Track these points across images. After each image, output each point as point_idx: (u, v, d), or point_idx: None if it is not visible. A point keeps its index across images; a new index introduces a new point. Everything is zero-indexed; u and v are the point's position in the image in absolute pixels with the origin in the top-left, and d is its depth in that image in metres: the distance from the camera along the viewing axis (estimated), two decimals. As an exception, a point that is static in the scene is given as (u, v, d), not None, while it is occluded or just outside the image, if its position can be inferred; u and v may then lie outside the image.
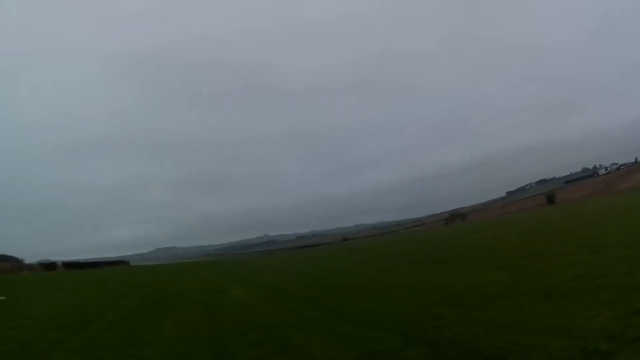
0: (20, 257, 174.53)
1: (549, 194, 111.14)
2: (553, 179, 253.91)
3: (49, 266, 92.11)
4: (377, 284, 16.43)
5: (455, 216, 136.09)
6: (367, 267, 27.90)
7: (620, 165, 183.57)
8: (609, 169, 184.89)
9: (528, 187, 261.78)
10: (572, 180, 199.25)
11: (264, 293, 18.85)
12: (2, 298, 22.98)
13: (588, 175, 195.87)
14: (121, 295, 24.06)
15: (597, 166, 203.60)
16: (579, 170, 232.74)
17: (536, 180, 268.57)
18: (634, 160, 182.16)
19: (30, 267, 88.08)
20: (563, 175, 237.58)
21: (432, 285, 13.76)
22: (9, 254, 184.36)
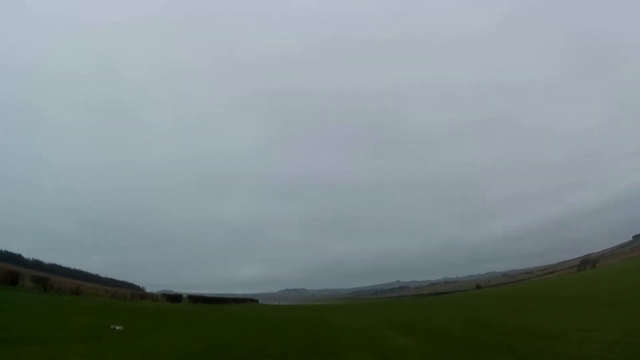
0: (141, 286, 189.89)
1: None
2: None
3: (174, 297, 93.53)
4: (554, 329, 16.25)
5: (586, 262, 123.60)
6: (529, 312, 26.30)
7: None
8: None
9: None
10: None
11: (434, 341, 17.15)
12: (119, 327, 20.46)
13: None
14: (265, 337, 21.55)
15: None
16: None
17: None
18: None
19: (153, 297, 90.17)
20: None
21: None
22: (131, 281, 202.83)
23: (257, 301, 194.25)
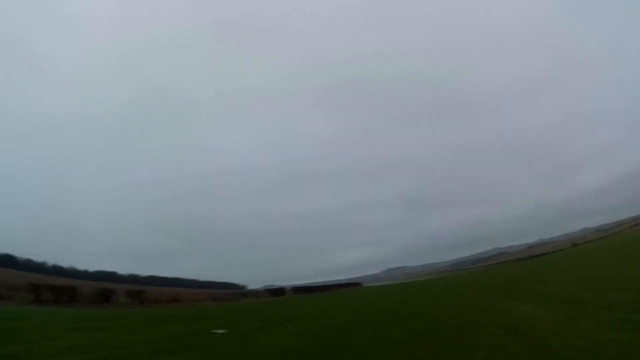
0: (242, 284, 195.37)
1: None
2: None
3: (277, 291, 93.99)
4: None
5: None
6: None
7: None
8: None
9: None
10: None
11: (556, 305, 14.97)
12: (222, 331, 18.25)
13: None
14: (380, 322, 19.07)
15: None
16: None
17: None
18: None
19: (255, 294, 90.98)
20: None
21: None
22: (231, 281, 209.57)
23: (360, 284, 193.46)
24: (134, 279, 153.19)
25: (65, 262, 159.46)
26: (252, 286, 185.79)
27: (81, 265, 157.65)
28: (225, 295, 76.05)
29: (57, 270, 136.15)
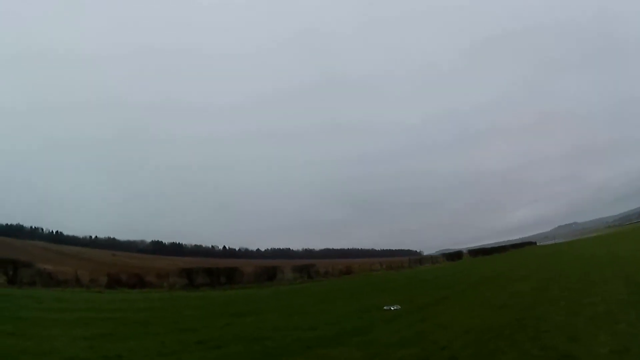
0: (419, 250, 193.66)
1: None
2: None
3: (454, 255, 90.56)
4: None
5: None
6: None
7: None
8: None
9: None
10: None
11: None
12: (395, 307, 16.15)
13: None
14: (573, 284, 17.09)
15: None
16: None
17: None
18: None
19: (432, 259, 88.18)
20: None
21: None
22: (408, 248, 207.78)
23: (535, 243, 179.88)
24: (308, 253, 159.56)
25: (236, 244, 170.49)
26: (427, 251, 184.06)
27: (252, 246, 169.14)
28: (400, 263, 74.48)
29: (229, 253, 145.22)
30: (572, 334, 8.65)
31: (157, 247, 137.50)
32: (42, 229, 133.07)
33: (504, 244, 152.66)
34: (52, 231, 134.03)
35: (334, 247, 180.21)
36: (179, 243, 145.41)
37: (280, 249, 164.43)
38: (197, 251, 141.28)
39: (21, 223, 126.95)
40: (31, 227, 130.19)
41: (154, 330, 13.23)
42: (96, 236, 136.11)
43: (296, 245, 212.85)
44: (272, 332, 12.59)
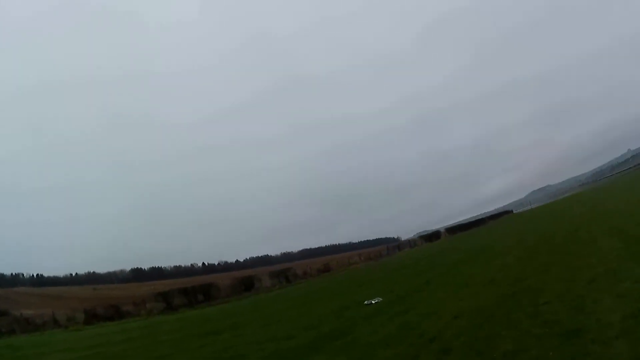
0: (396, 237, 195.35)
1: None
2: None
3: (432, 236, 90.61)
4: None
5: None
6: None
7: None
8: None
9: None
10: None
11: None
12: (375, 301, 15.16)
13: None
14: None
15: None
16: None
17: None
18: None
19: (410, 243, 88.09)
20: None
21: None
22: (386, 236, 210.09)
23: (511, 212, 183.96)
24: (287, 257, 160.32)
25: (215, 258, 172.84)
26: (406, 236, 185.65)
27: (231, 258, 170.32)
28: (378, 252, 73.86)
29: (209, 269, 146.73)
30: (574, 303, 7.66)
31: (137, 274, 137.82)
32: (23, 274, 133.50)
33: (481, 217, 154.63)
34: (33, 275, 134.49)
35: (312, 247, 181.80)
36: (158, 267, 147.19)
37: (259, 256, 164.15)
38: (177, 272, 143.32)
39: (1, 271, 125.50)
40: (12, 273, 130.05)
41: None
42: (76, 273, 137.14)
43: (275, 250, 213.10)
44: (247, 347, 11.61)
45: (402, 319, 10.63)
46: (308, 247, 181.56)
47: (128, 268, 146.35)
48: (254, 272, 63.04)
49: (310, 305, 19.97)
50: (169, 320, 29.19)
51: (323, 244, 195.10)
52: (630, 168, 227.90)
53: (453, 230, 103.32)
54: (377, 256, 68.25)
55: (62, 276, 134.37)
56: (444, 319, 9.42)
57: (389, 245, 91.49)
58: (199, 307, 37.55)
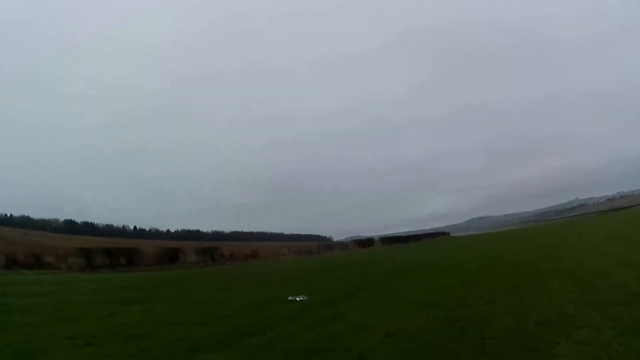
0: (328, 236, 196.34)
1: None
2: None
3: (365, 242, 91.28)
4: None
5: None
6: None
7: None
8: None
9: None
10: None
11: None
12: (300, 298, 14.26)
13: None
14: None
15: None
16: None
17: None
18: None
19: (343, 245, 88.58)
20: None
21: None
22: (317, 233, 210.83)
23: (448, 234, 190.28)
24: (217, 235, 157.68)
25: (147, 224, 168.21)
26: (337, 237, 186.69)
27: (163, 227, 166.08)
28: (309, 248, 73.07)
29: (139, 234, 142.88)
30: (526, 344, 6.78)
31: (70, 227, 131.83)
32: None
33: (416, 233, 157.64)
34: None
35: (244, 230, 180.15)
36: (91, 222, 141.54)
37: (190, 230, 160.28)
38: (109, 231, 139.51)
39: None
40: None
41: (30, 320, 11.44)
42: (11, 214, 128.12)
43: (206, 227, 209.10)
44: (156, 326, 10.43)
45: (328, 327, 9.52)
46: (240, 230, 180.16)
47: (62, 218, 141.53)
48: (182, 244, 60.88)
49: (231, 291, 18.66)
50: (86, 279, 27.63)
51: (255, 230, 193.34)
52: (575, 215, 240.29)
53: (388, 240, 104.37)
54: (307, 252, 67.43)
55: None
56: (375, 335, 8.40)
57: (320, 243, 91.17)
58: (119, 271, 35.80)
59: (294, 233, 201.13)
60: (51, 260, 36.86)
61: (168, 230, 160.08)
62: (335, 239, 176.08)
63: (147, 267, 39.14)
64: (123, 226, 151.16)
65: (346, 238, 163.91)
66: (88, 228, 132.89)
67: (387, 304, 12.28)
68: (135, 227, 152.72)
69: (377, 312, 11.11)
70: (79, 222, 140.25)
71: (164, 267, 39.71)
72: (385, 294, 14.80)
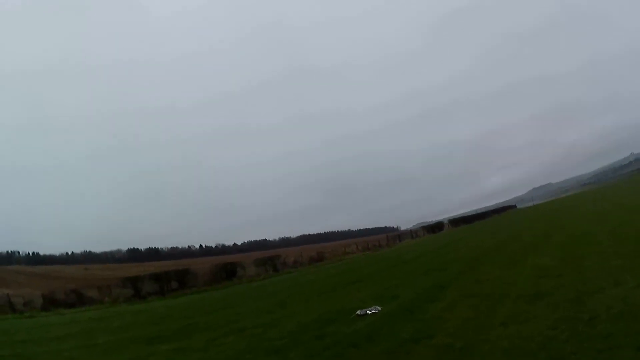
0: (395, 226, 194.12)
1: None
2: None
3: (435, 227, 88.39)
4: None
5: None
6: None
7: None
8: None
9: None
10: None
11: None
12: (371, 311, 11.24)
13: None
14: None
15: None
16: None
17: None
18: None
19: (412, 233, 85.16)
20: None
21: None
22: (385, 225, 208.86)
23: (515, 207, 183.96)
24: (285, 242, 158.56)
25: (213, 241, 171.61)
26: (405, 226, 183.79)
27: (230, 241, 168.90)
28: (377, 241, 69.77)
29: (205, 252, 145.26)
30: None
31: (134, 255, 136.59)
32: (19, 252, 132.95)
33: (483, 211, 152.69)
34: (29, 253, 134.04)
35: (311, 233, 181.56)
36: (154, 248, 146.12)
37: (256, 240, 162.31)
38: (174, 254, 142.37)
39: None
40: (7, 251, 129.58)
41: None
42: (72, 252, 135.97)
43: (273, 235, 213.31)
44: None
45: (411, 355, 6.92)
46: (307, 233, 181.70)
47: (125, 248, 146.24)
48: (240, 257, 59.57)
49: (287, 308, 15.94)
50: (128, 311, 25.72)
51: (322, 231, 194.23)
52: (633, 171, 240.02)
53: (456, 222, 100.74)
54: (376, 246, 64.36)
55: (58, 255, 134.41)
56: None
57: (388, 235, 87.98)
58: (170, 296, 34.02)
59: (362, 228, 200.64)
60: (94, 295, 35.33)
61: (234, 244, 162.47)
62: (402, 228, 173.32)
63: (202, 287, 37.45)
64: (188, 246, 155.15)
65: (414, 226, 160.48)
66: (152, 253, 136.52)
67: (487, 304, 9.38)
68: (200, 245, 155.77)
69: (474, 317, 8.37)
70: (142, 249, 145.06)
71: (219, 285, 37.79)
72: (476, 288, 11.65)
